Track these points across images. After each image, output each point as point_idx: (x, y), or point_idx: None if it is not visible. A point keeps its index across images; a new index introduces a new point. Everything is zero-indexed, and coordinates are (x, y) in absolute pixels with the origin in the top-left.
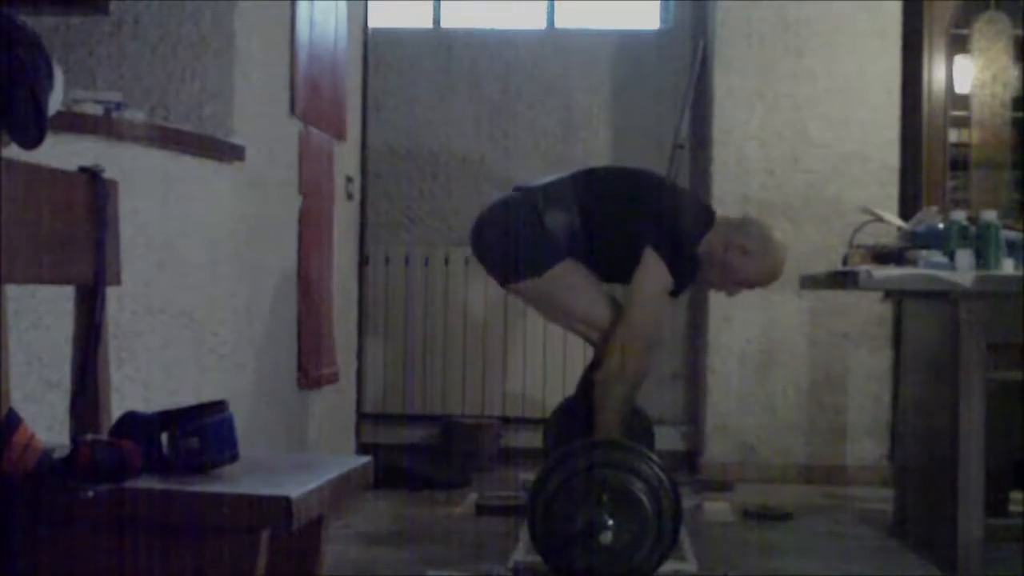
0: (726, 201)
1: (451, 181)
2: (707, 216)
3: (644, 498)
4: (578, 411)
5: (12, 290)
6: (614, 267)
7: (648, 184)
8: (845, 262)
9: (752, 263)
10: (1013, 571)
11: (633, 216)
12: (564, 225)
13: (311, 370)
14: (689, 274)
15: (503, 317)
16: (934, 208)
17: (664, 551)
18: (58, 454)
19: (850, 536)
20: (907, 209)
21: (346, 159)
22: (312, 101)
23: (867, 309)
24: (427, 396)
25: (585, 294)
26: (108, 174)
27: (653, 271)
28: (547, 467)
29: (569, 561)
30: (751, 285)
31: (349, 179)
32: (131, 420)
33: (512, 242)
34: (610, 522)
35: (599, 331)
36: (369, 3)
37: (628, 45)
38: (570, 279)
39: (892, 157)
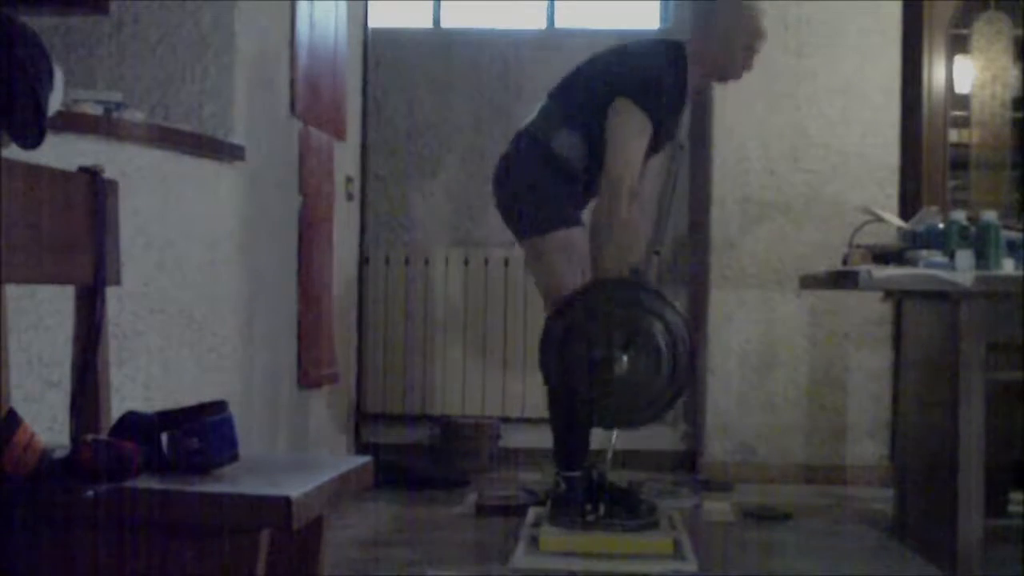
0: (726, 201)
1: (451, 181)
2: (678, 52)
3: (659, 336)
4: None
5: (12, 290)
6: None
7: (611, 51)
8: (845, 262)
9: (730, 19)
10: (1013, 571)
11: (605, 82)
12: (568, 142)
13: (311, 370)
14: (674, 103)
15: (503, 318)
16: (934, 208)
17: (677, 391)
18: (58, 454)
19: (850, 536)
20: (907, 209)
21: (346, 159)
22: (312, 101)
23: (867, 309)
24: (427, 396)
25: (574, 268)
26: (108, 174)
27: (622, 116)
28: (562, 304)
29: (580, 393)
30: (749, 45)
31: (349, 179)
32: (131, 420)
33: (521, 196)
34: (623, 356)
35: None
36: (369, 3)
37: None
38: (568, 250)
39: (892, 157)
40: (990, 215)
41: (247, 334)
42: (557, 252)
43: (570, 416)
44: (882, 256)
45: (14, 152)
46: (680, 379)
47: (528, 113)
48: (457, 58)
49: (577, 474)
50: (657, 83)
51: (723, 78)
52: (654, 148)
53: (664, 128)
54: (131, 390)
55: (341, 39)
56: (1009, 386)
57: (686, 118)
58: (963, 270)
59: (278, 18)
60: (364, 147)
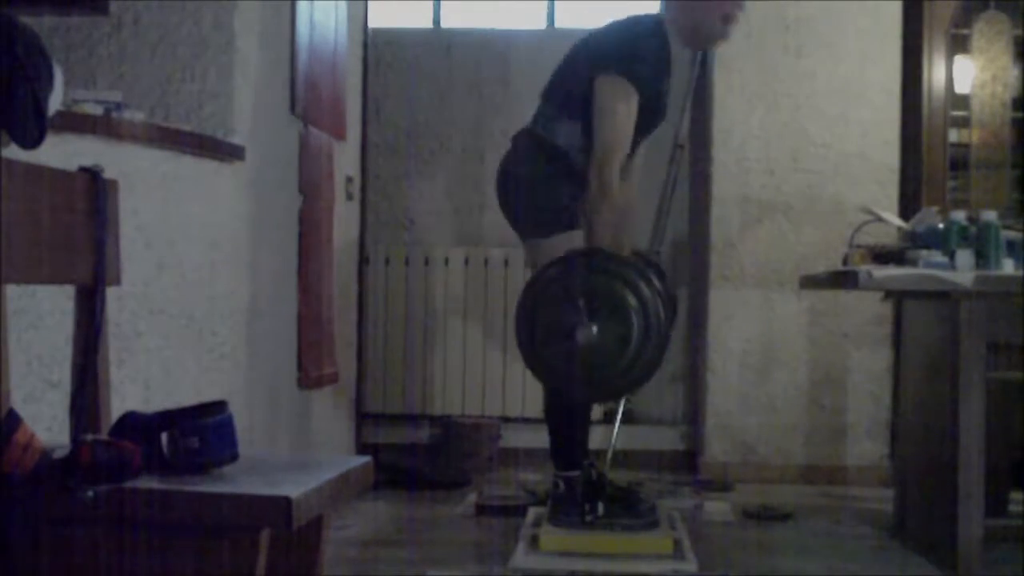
0: (726, 201)
1: (451, 181)
2: (650, 23)
3: (630, 305)
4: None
5: (12, 290)
6: None
7: (591, 34)
8: (845, 262)
9: None
10: (1013, 571)
11: (590, 63)
12: (569, 132)
13: (311, 370)
14: (657, 72)
15: (503, 317)
16: (934, 208)
17: (646, 366)
18: (58, 454)
19: (850, 536)
20: (907, 209)
21: (346, 159)
22: (312, 101)
23: (867, 309)
24: (427, 396)
25: None
26: (108, 174)
27: (606, 88)
28: (537, 272)
29: (550, 360)
30: (727, 15)
31: (349, 179)
32: (131, 420)
33: (524, 198)
34: (593, 326)
35: None
36: (369, 3)
37: None
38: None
39: (892, 157)
40: (990, 215)
41: (247, 334)
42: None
43: (554, 400)
44: (882, 256)
45: (14, 152)
46: (650, 352)
47: (527, 116)
48: (457, 58)
49: (576, 473)
50: (636, 52)
51: (703, 46)
52: (644, 128)
53: (650, 100)
54: (131, 390)
55: (341, 39)
56: (1009, 386)
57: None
58: (963, 270)
59: (278, 18)
60: (364, 147)
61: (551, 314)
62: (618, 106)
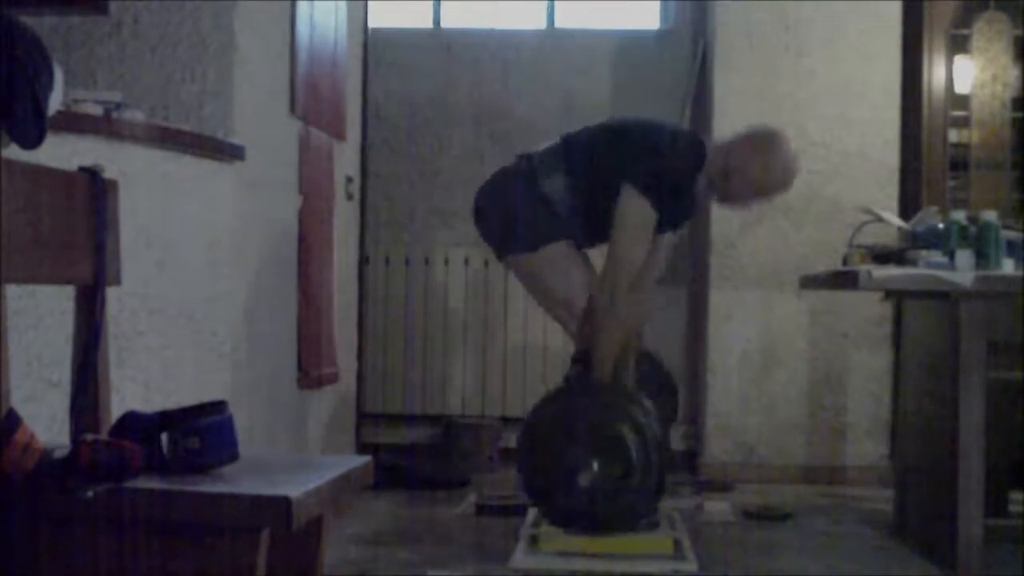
0: None
1: (451, 181)
2: (697, 150)
3: (628, 439)
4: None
5: (12, 290)
6: (607, 225)
7: (624, 127)
8: (845, 262)
9: (761, 161)
10: (1013, 571)
11: (612, 159)
12: (561, 188)
13: (311, 370)
14: (683, 208)
15: (503, 317)
16: (934, 208)
17: (650, 496)
18: (58, 454)
19: (850, 536)
20: (907, 209)
21: (346, 159)
22: (312, 101)
23: (867, 309)
24: (427, 396)
25: (572, 277)
26: (108, 174)
27: (631, 204)
28: (534, 409)
29: (555, 502)
30: (766, 190)
31: (349, 179)
32: (131, 420)
33: (511, 214)
34: (594, 463)
35: (575, 318)
36: (369, 3)
37: (628, 45)
38: (562, 261)
39: (892, 157)
40: (990, 215)
41: (247, 334)
42: (550, 266)
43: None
44: (882, 256)
45: (14, 152)
46: (652, 483)
47: (527, 116)
48: (457, 58)
49: None
50: (664, 172)
51: (723, 200)
52: (665, 228)
53: (670, 214)
54: (131, 390)
55: (341, 39)
56: (1009, 386)
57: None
58: (963, 270)
59: (278, 18)
60: (364, 147)
61: (553, 455)
62: (637, 236)
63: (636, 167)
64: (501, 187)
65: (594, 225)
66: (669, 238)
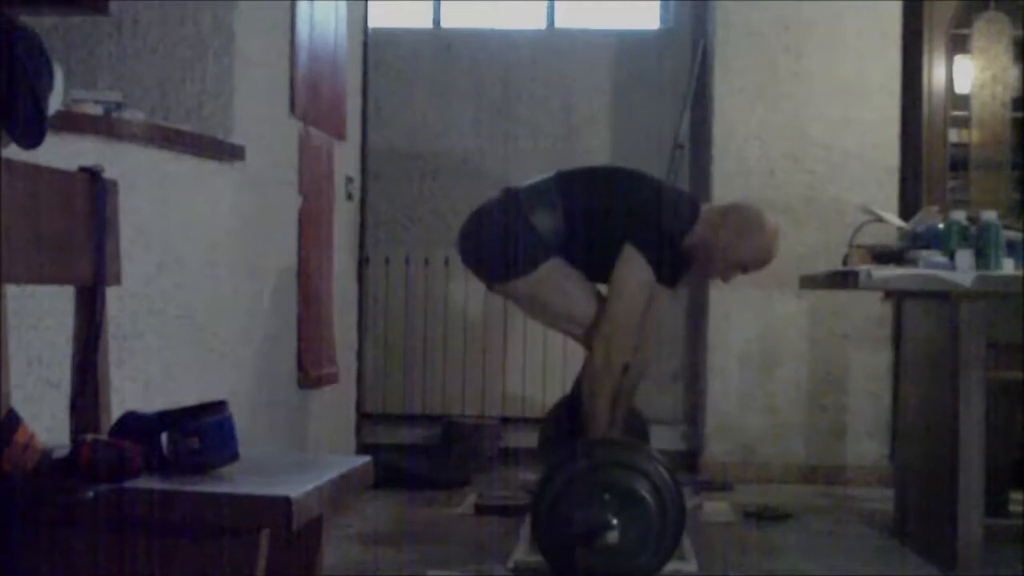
0: (726, 201)
1: (451, 181)
2: (691, 210)
3: (648, 497)
4: (572, 412)
5: (12, 290)
6: (598, 267)
7: (629, 181)
8: (845, 262)
9: (743, 244)
10: (1013, 571)
11: (613, 214)
12: (550, 225)
13: (311, 370)
14: (675, 268)
15: (503, 317)
16: (934, 208)
17: (668, 551)
18: (58, 454)
19: (850, 536)
20: (907, 209)
21: (346, 159)
22: (312, 101)
23: (867, 309)
24: (427, 396)
25: (572, 292)
26: (108, 174)
27: (631, 265)
28: (549, 468)
29: (573, 562)
30: (745, 268)
31: (349, 179)
32: (131, 420)
33: (500, 242)
34: (614, 522)
35: (584, 328)
36: (369, 3)
37: (628, 45)
38: (557, 278)
39: (892, 157)
40: (990, 215)
41: (247, 334)
42: (549, 283)
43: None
44: (882, 256)
45: (14, 152)
46: (671, 527)
47: (527, 116)
48: (457, 58)
49: None
50: (665, 240)
51: (704, 271)
52: (668, 278)
53: (670, 277)
54: (131, 390)
55: (341, 39)
56: (1009, 386)
57: (686, 118)
58: (963, 270)
59: (278, 18)
60: (364, 147)
61: (571, 516)
62: (635, 297)
63: (638, 229)
64: (489, 217)
65: (583, 263)
66: (668, 295)
